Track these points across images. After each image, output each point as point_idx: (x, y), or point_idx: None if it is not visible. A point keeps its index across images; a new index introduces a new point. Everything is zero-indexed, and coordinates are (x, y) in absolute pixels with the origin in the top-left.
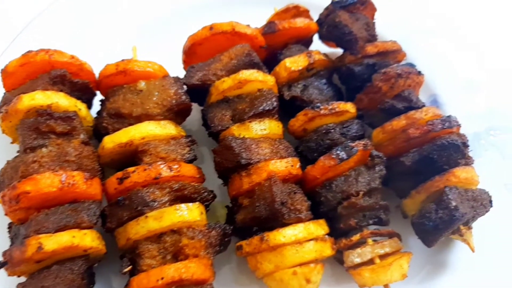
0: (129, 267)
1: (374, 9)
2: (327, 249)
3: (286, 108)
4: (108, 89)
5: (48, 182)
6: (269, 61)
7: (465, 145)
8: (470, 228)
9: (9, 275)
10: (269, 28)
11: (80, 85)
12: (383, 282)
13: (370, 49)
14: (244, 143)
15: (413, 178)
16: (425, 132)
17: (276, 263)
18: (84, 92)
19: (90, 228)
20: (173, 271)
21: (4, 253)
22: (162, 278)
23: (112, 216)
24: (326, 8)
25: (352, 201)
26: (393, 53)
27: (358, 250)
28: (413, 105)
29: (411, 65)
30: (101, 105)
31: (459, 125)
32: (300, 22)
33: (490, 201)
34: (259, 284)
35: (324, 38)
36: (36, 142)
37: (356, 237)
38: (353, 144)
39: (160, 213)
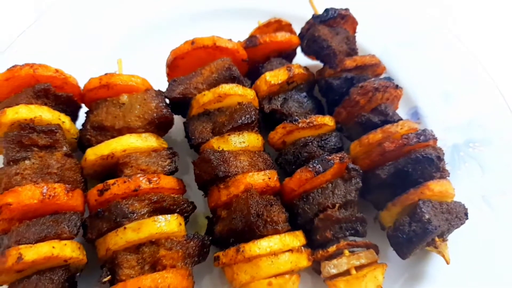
0: (108, 277)
1: (355, 23)
2: (303, 260)
3: (267, 120)
4: (92, 102)
5: (29, 194)
6: (252, 74)
7: (440, 158)
8: (445, 240)
9: None
10: (251, 42)
11: (64, 98)
12: None
13: (349, 63)
14: (222, 156)
15: (389, 191)
16: (400, 146)
17: (251, 274)
18: (68, 105)
19: (70, 239)
20: (150, 281)
21: None
22: None
23: (92, 227)
24: (307, 22)
25: (328, 213)
26: (372, 67)
27: (335, 261)
28: (389, 119)
29: (389, 79)
30: (86, 117)
31: (435, 139)
32: (281, 36)
33: (466, 214)
34: None
35: (305, 52)
36: (19, 155)
37: (332, 249)
38: (330, 157)
39: (139, 224)
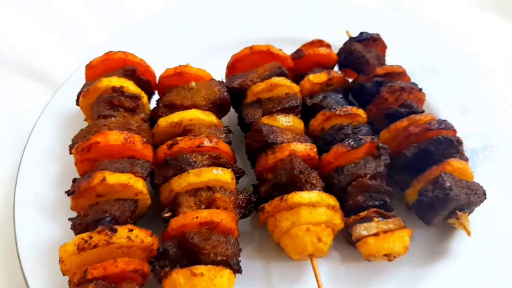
0: (169, 213)
1: (384, 46)
2: (337, 218)
3: (308, 115)
4: (165, 88)
5: (115, 137)
6: (296, 82)
7: (459, 143)
8: (465, 212)
9: (72, 207)
10: (297, 54)
11: (144, 82)
12: (386, 250)
13: (379, 70)
14: (271, 128)
15: (414, 171)
16: (424, 130)
17: (292, 220)
18: (146, 89)
19: (142, 179)
20: (206, 214)
21: (73, 184)
22: (197, 217)
23: (159, 174)
24: (344, 43)
25: (360, 180)
26: (398, 75)
27: (365, 224)
28: (414, 111)
29: (414, 84)
30: (157, 102)
31: (454, 130)
32: (323, 50)
33: (484, 193)
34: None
35: (342, 66)
36: (108, 112)
37: (363, 213)
38: (362, 137)
39: (200, 171)
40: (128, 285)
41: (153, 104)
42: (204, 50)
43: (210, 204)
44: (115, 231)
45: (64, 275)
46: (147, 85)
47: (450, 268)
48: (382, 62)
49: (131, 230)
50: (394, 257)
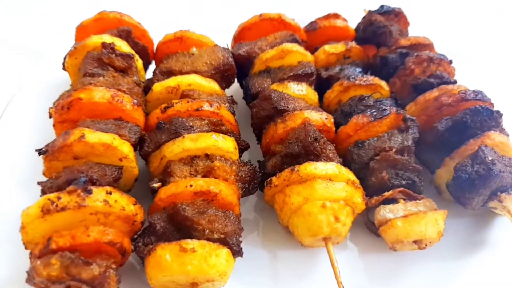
0: (159, 184)
1: (407, 23)
2: (357, 196)
3: (322, 90)
4: (163, 55)
5: (100, 93)
6: None
7: (499, 114)
8: (510, 194)
9: (44, 171)
10: (311, 26)
11: (140, 47)
12: (416, 235)
13: (403, 42)
14: (282, 94)
15: (446, 148)
16: (458, 100)
17: (305, 195)
18: (142, 55)
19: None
20: (203, 182)
21: (47, 144)
22: (191, 186)
23: (150, 140)
24: (363, 18)
25: (385, 154)
26: (425, 47)
27: (390, 205)
28: (445, 81)
29: (443, 55)
30: (154, 70)
31: (491, 103)
32: (339, 22)
33: None
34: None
35: (360, 40)
36: (96, 70)
37: (388, 193)
38: (387, 107)
39: (197, 136)
40: (102, 261)
41: (149, 76)
42: (210, 27)
43: (208, 174)
44: (89, 192)
45: (26, 248)
46: (143, 51)
47: (490, 261)
48: (405, 37)
49: (110, 193)
50: (426, 244)
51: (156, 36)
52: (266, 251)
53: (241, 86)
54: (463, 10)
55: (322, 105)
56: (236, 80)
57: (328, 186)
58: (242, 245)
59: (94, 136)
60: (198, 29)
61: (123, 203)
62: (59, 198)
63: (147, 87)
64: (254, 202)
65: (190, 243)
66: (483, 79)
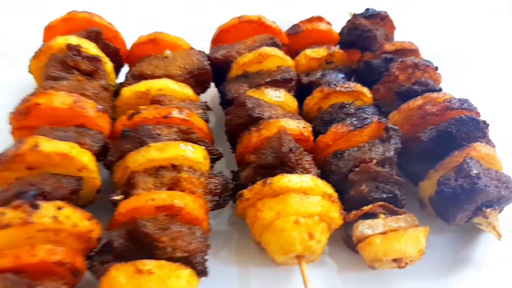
0: (121, 196)
1: (393, 27)
2: (334, 211)
3: (303, 96)
4: (136, 58)
5: (61, 98)
6: None
7: (486, 125)
8: (495, 210)
9: None
10: (293, 29)
11: (111, 49)
12: (396, 253)
13: (388, 47)
14: (257, 101)
15: (430, 159)
16: (443, 109)
17: (277, 210)
18: (113, 58)
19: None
20: (166, 196)
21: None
22: (153, 199)
23: (115, 149)
24: (347, 21)
25: (365, 166)
26: (410, 53)
27: (369, 221)
28: (430, 88)
29: (428, 61)
30: (126, 73)
31: (478, 112)
32: (323, 26)
33: None
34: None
35: (344, 45)
36: (59, 73)
37: (367, 207)
38: (368, 116)
39: (164, 145)
40: (50, 282)
41: (122, 79)
42: (188, 28)
43: (174, 186)
44: (36, 207)
45: None
46: (115, 53)
47: (475, 281)
48: (390, 42)
49: (60, 208)
50: (406, 263)
51: (131, 37)
52: (238, 268)
53: (219, 91)
54: (450, 14)
55: (302, 113)
56: (214, 85)
57: (302, 200)
58: (212, 262)
59: (49, 145)
60: (175, 31)
61: (76, 219)
62: (2, 214)
63: (118, 91)
64: (228, 215)
65: (147, 264)
66: (470, 85)
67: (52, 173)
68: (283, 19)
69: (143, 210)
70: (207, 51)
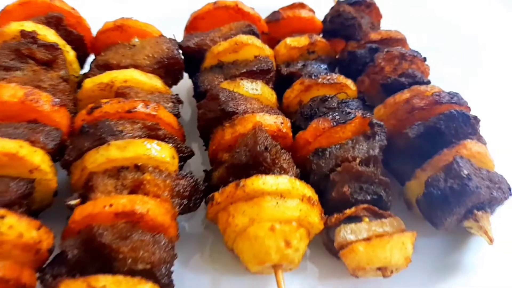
0: (77, 201)
1: (379, 16)
2: (314, 215)
3: (282, 88)
4: (102, 47)
5: (11, 91)
6: None
7: (477, 120)
8: (486, 212)
9: None
10: (273, 17)
11: (74, 36)
12: (380, 261)
13: (374, 36)
14: (232, 94)
15: (418, 157)
16: (431, 103)
17: (251, 215)
18: (77, 46)
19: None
20: (126, 200)
21: None
22: (111, 205)
23: (72, 147)
24: (331, 8)
25: (347, 165)
26: (397, 42)
27: (352, 225)
28: (418, 80)
29: (416, 51)
30: (91, 62)
31: (468, 107)
32: (305, 13)
33: (510, 188)
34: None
35: (328, 34)
36: (13, 63)
37: (350, 211)
38: (351, 111)
39: (126, 143)
40: None
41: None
42: (161, 14)
43: (136, 189)
44: None
45: None
46: (78, 41)
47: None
48: (376, 31)
49: (2, 217)
50: (392, 271)
51: (98, 23)
52: (210, 278)
53: (193, 82)
54: (440, 2)
55: (281, 106)
56: (188, 76)
57: (278, 204)
58: (182, 271)
59: None
60: (145, 16)
61: (21, 229)
62: None
63: (81, 83)
64: (202, 216)
65: (101, 280)
66: (460, 77)
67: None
68: (263, 6)
69: (100, 217)
70: (180, 39)
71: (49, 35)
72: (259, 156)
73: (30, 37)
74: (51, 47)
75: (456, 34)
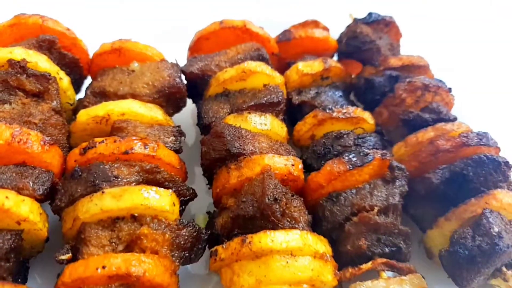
0: (68, 256)
1: (399, 34)
2: (327, 273)
3: (294, 116)
4: (99, 70)
5: None
6: (281, 73)
7: (508, 166)
8: None
9: None
10: (284, 36)
11: (69, 60)
12: None
13: (394, 61)
14: (238, 132)
15: (441, 203)
16: (458, 146)
17: (258, 276)
18: (72, 69)
19: (32, 199)
20: (120, 261)
21: None
22: (104, 268)
23: (64, 191)
24: (347, 27)
25: (365, 215)
26: (419, 69)
27: (369, 283)
28: (443, 117)
29: (440, 81)
30: (86, 88)
31: (498, 147)
32: (319, 33)
33: None
34: None
35: (342, 55)
36: (0, 95)
37: (366, 266)
38: (369, 151)
39: (122, 191)
40: None
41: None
42: (161, 31)
43: (133, 244)
44: None
45: None
46: (74, 64)
47: None
48: (396, 54)
49: None
50: None
51: (96, 42)
52: None
53: (196, 107)
54: (460, 19)
55: (291, 138)
56: (192, 101)
57: (288, 264)
58: None
59: None
60: (147, 36)
61: None
62: None
63: (77, 110)
64: (207, 256)
65: None
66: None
67: None
68: (271, 21)
69: (92, 280)
70: (184, 58)
71: (41, 61)
72: (267, 209)
73: (19, 66)
74: (43, 78)
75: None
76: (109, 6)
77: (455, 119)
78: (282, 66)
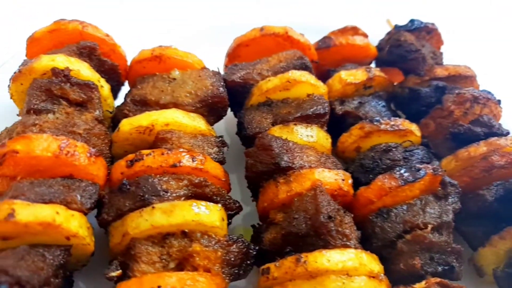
0: (118, 272)
1: (440, 42)
2: None
3: (335, 127)
4: (138, 77)
5: (43, 144)
6: (320, 80)
7: None
8: None
9: None
10: (324, 43)
11: (108, 66)
12: None
13: (440, 71)
14: (286, 144)
15: (494, 221)
16: None
17: None
18: (111, 76)
19: (80, 212)
20: (175, 281)
21: None
22: (159, 287)
23: (111, 205)
24: (388, 33)
25: (419, 234)
26: (465, 79)
27: None
28: (495, 131)
29: (489, 92)
30: (126, 94)
31: None
32: (359, 40)
33: None
34: None
35: (383, 63)
36: (44, 105)
37: (420, 285)
38: (421, 166)
39: (172, 206)
40: None
41: (121, 100)
42: (197, 33)
43: (185, 262)
44: None
45: None
46: (113, 71)
47: None
48: (439, 62)
49: None
50: None
51: (134, 46)
52: None
53: (235, 115)
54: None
55: (335, 149)
56: (231, 110)
57: (345, 284)
58: None
59: (28, 213)
60: (184, 41)
61: None
62: None
63: (116, 118)
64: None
65: None
66: None
67: (32, 244)
68: (305, 25)
69: None
70: (222, 61)
71: (83, 69)
72: (322, 228)
73: (63, 75)
74: (86, 86)
75: None
76: (110, 6)
77: (507, 133)
78: (322, 75)
